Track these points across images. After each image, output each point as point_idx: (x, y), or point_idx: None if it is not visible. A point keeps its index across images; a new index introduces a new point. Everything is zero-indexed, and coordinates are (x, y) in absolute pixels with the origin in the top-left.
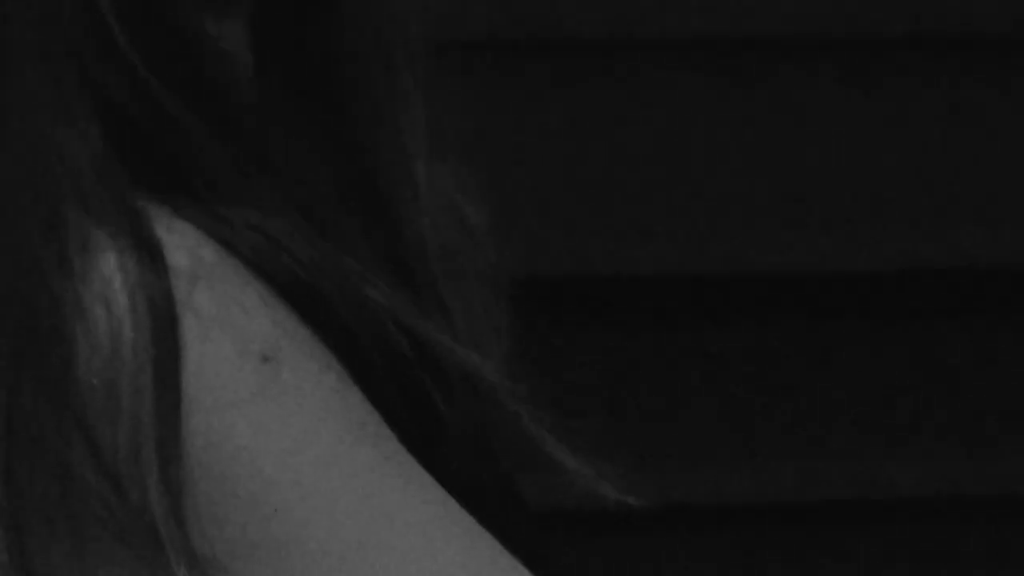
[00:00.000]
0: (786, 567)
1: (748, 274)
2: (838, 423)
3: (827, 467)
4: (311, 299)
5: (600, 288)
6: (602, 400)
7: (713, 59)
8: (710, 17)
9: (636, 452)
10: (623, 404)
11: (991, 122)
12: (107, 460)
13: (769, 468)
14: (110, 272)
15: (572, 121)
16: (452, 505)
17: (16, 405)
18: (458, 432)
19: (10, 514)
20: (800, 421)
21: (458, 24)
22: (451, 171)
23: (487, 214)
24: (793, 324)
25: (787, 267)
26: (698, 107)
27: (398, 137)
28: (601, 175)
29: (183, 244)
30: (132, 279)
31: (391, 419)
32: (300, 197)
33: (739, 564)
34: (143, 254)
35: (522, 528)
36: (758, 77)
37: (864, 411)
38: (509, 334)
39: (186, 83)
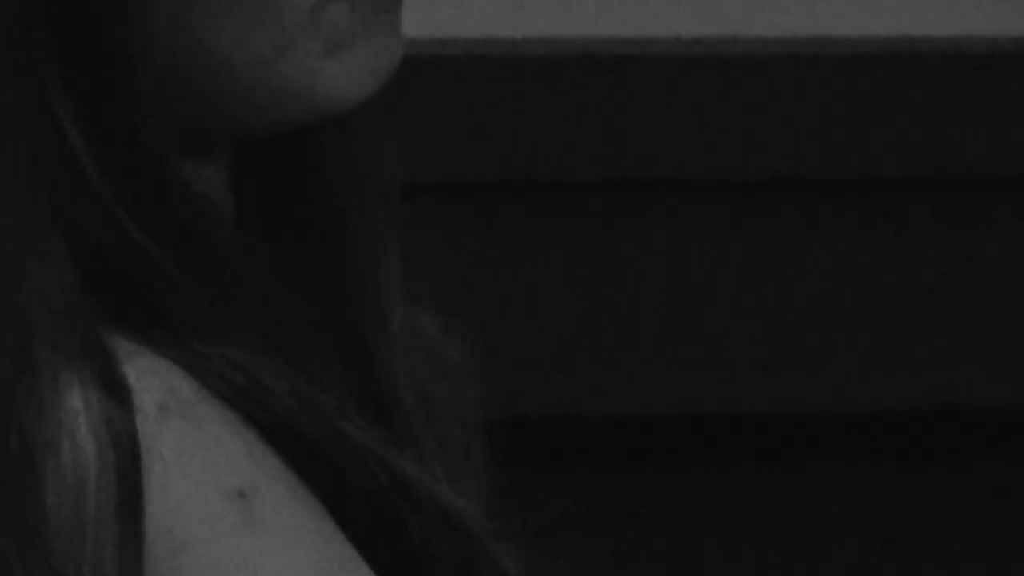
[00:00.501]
0: None
1: (741, 414)
2: (833, 565)
3: None
4: (289, 435)
5: (586, 429)
6: (585, 540)
7: (703, 200)
8: (699, 159)
9: None
10: (607, 545)
11: (988, 265)
12: None
13: None
14: (77, 410)
15: (557, 261)
16: None
17: None
18: (437, 569)
19: None
20: (792, 561)
21: (440, 165)
22: (431, 313)
23: (467, 355)
24: (788, 464)
25: (782, 407)
26: (687, 247)
27: (375, 281)
28: (586, 316)
29: (156, 381)
30: (97, 417)
31: (369, 555)
32: (278, 336)
33: None
34: (109, 392)
35: None
36: (749, 218)
37: (859, 554)
38: (489, 473)
39: (161, 224)
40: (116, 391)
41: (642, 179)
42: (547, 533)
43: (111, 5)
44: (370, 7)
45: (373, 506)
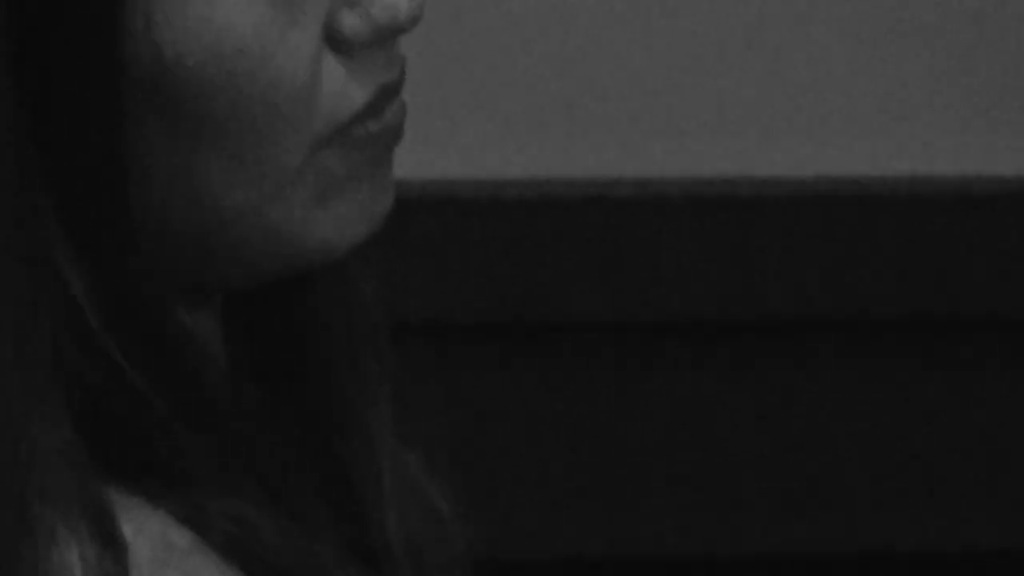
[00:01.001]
0: None
1: (750, 556)
2: None
3: None
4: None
5: (595, 571)
6: None
7: (709, 341)
8: (704, 300)
9: None
10: None
11: (988, 404)
12: None
13: None
14: (73, 565)
15: (561, 402)
16: None
17: None
18: None
19: None
20: None
21: (443, 307)
22: (420, 459)
23: (457, 500)
24: None
25: (792, 548)
26: (693, 388)
27: (365, 425)
28: (592, 457)
29: (152, 534)
30: (92, 571)
31: None
32: (272, 486)
33: None
34: (106, 548)
35: None
36: (755, 359)
37: None
38: None
39: (160, 371)
40: (112, 547)
41: (648, 320)
42: None
43: (110, 160)
44: (361, 153)
45: None
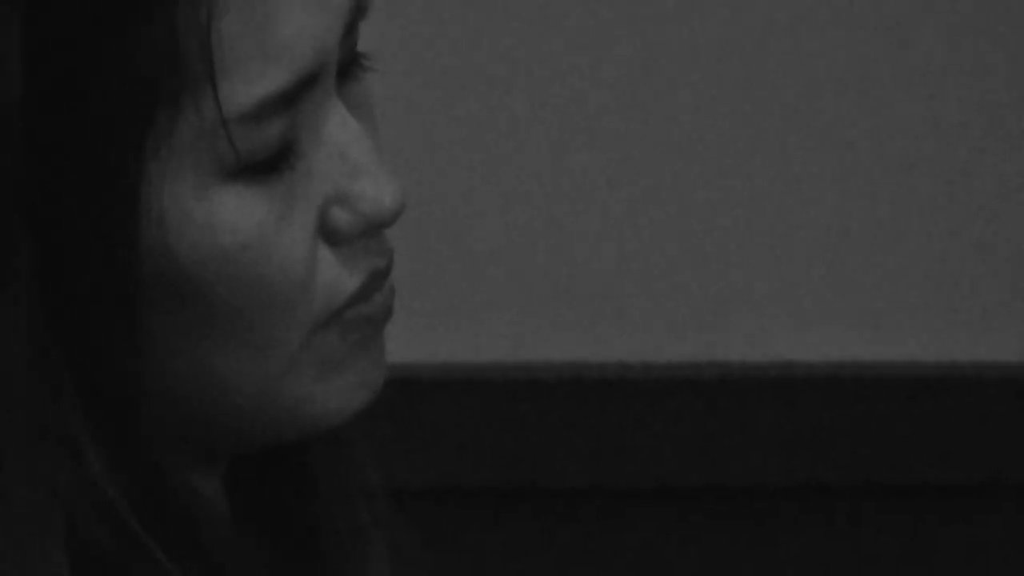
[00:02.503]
0: None
1: None
2: None
3: None
4: None
5: None
6: None
7: (682, 506)
8: (678, 468)
9: None
10: None
11: (987, 568)
12: None
13: None
14: None
15: (549, 560)
16: None
17: None
18: None
19: None
20: None
21: (426, 473)
22: None
23: None
24: None
25: None
26: (667, 549)
27: None
28: None
29: None
30: None
31: None
32: None
33: None
34: None
35: None
36: (710, 520)
37: None
38: None
39: (170, 532)
40: None
41: (627, 486)
42: None
43: (126, 345)
44: (356, 334)
45: None
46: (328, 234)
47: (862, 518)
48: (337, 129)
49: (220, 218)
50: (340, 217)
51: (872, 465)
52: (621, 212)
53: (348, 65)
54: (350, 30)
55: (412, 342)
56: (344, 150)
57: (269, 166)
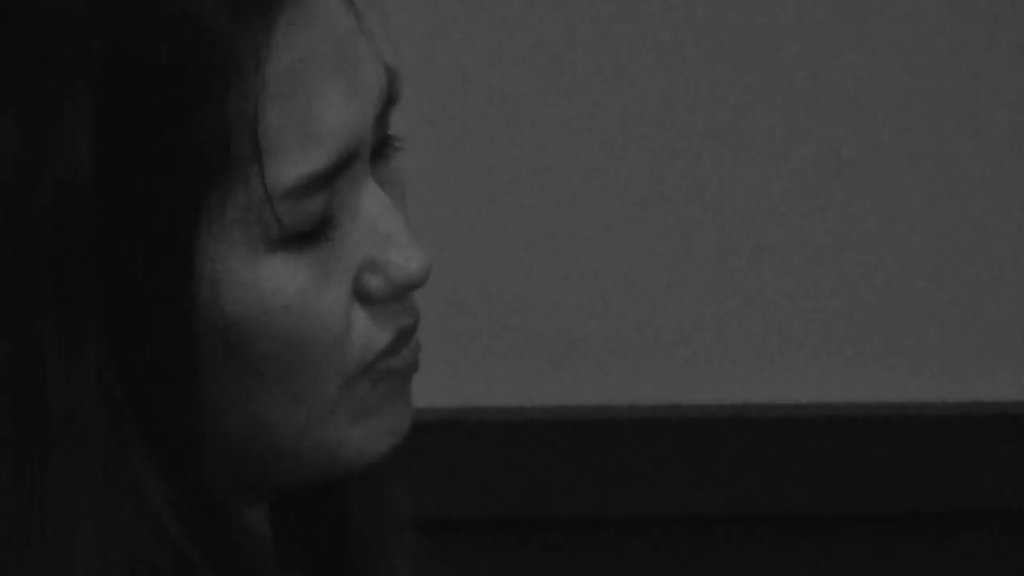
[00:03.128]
0: None
1: None
2: None
3: None
4: None
5: None
6: None
7: (674, 534)
8: (668, 501)
9: None
10: None
11: None
12: None
13: None
14: None
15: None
16: None
17: None
18: None
19: None
20: None
21: (444, 504)
22: None
23: None
24: None
25: None
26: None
27: None
28: None
29: None
30: None
31: None
32: None
33: None
34: None
35: None
36: (711, 553)
37: None
38: None
39: (223, 560)
40: None
41: (640, 517)
42: None
43: (185, 396)
44: (385, 384)
45: None
46: (361, 296)
47: (845, 546)
48: (370, 204)
49: (265, 282)
50: (372, 282)
51: (854, 495)
52: (606, 272)
53: (380, 146)
54: (382, 117)
55: (430, 387)
56: (376, 222)
57: (310, 237)
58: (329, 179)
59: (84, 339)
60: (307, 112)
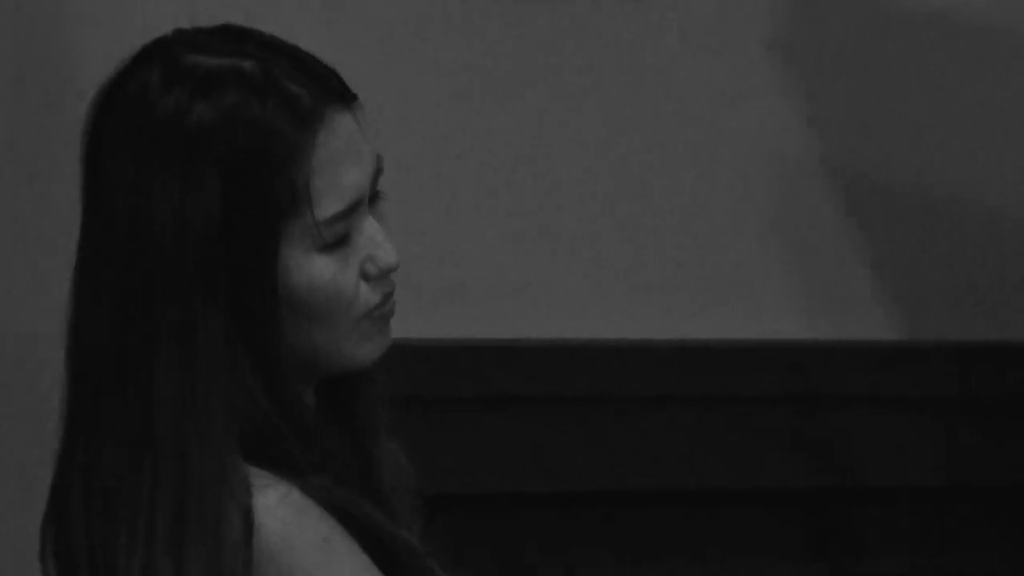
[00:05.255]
0: None
1: None
2: None
3: None
4: (344, 513)
5: None
6: None
7: (680, 509)
8: (676, 477)
9: None
10: None
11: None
12: None
13: None
14: (233, 504)
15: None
16: None
17: (188, 562)
18: (405, 569)
19: None
20: None
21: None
22: (398, 447)
23: (410, 464)
24: None
25: None
26: (674, 550)
27: (377, 440)
28: None
29: (278, 489)
30: (242, 504)
31: (375, 561)
32: (336, 469)
33: None
34: (247, 493)
35: None
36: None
37: None
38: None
39: (290, 418)
40: (249, 494)
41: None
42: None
43: (270, 334)
44: (378, 323)
45: (378, 543)
46: (364, 276)
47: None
48: (368, 227)
49: (313, 269)
50: (369, 268)
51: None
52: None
53: (373, 197)
54: (375, 180)
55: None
56: (372, 236)
57: (337, 245)
58: (347, 215)
59: (217, 305)
60: (335, 180)
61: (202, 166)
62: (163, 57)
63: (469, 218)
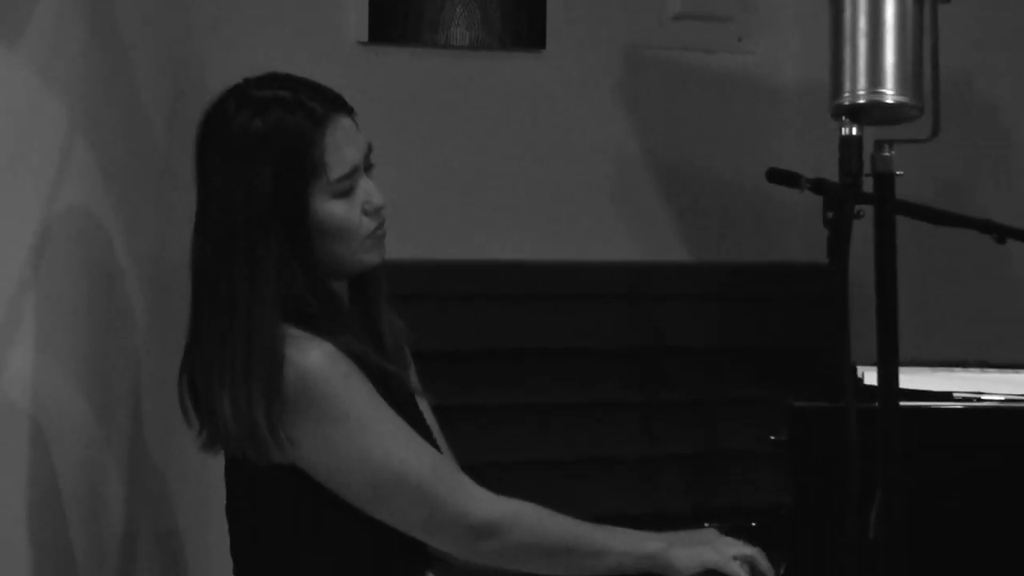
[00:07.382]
0: None
1: None
2: None
3: None
4: (359, 359)
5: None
6: None
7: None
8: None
9: None
10: None
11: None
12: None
13: None
14: (281, 349)
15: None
16: (399, 419)
17: (244, 389)
18: (400, 399)
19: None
20: None
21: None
22: (396, 317)
23: (408, 329)
24: None
25: None
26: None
27: (382, 315)
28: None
29: (315, 341)
30: (287, 351)
31: (382, 393)
32: (355, 330)
33: None
34: (287, 339)
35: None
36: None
37: None
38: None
39: (324, 301)
40: (283, 345)
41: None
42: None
43: (306, 246)
44: (376, 240)
45: (382, 379)
46: (364, 212)
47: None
48: (364, 183)
49: (329, 210)
50: (367, 207)
51: None
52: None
53: (368, 167)
54: (367, 156)
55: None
56: (367, 188)
57: (346, 194)
58: (350, 176)
59: (271, 237)
60: (340, 155)
61: (260, 155)
62: (236, 93)
63: (425, 188)
